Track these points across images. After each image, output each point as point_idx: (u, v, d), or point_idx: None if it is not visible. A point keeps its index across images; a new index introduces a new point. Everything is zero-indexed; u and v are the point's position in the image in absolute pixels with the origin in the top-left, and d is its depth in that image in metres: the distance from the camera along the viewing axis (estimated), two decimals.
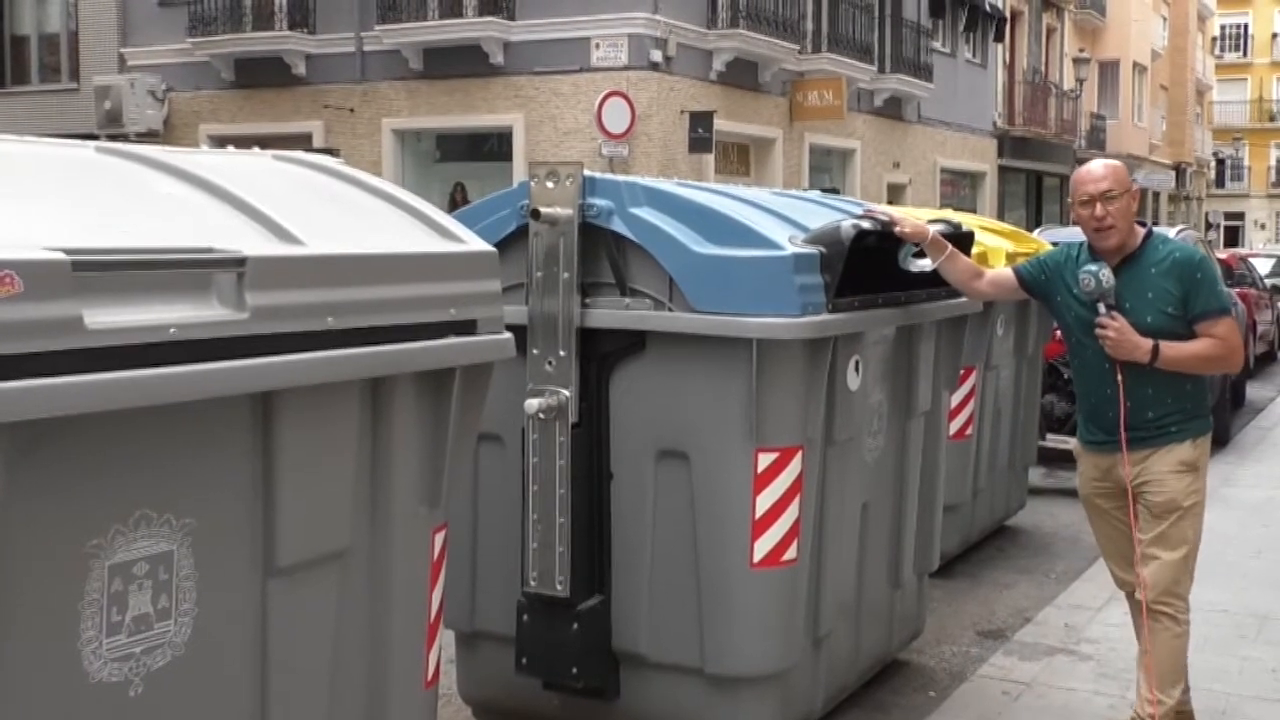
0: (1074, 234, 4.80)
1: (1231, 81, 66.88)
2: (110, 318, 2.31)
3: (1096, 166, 4.55)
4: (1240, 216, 66.03)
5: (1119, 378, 4.41)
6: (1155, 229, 4.65)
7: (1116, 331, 4.35)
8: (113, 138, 20.09)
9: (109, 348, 2.28)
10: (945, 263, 4.80)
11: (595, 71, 19.92)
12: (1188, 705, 4.67)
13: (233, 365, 2.50)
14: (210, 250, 2.56)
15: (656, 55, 19.91)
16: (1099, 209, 4.41)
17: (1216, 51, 65.08)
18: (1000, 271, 5.03)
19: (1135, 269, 4.45)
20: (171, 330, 2.40)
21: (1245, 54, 68.33)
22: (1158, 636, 4.48)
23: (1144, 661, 4.54)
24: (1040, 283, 4.72)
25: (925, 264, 4.81)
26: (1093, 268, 4.41)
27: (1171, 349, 4.35)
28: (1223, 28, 66.61)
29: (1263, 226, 65.98)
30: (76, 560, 2.36)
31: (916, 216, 5.48)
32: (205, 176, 2.86)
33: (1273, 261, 24.83)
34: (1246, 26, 68.30)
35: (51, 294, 2.19)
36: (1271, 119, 67.88)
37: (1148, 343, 4.34)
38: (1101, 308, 4.40)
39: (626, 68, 19.79)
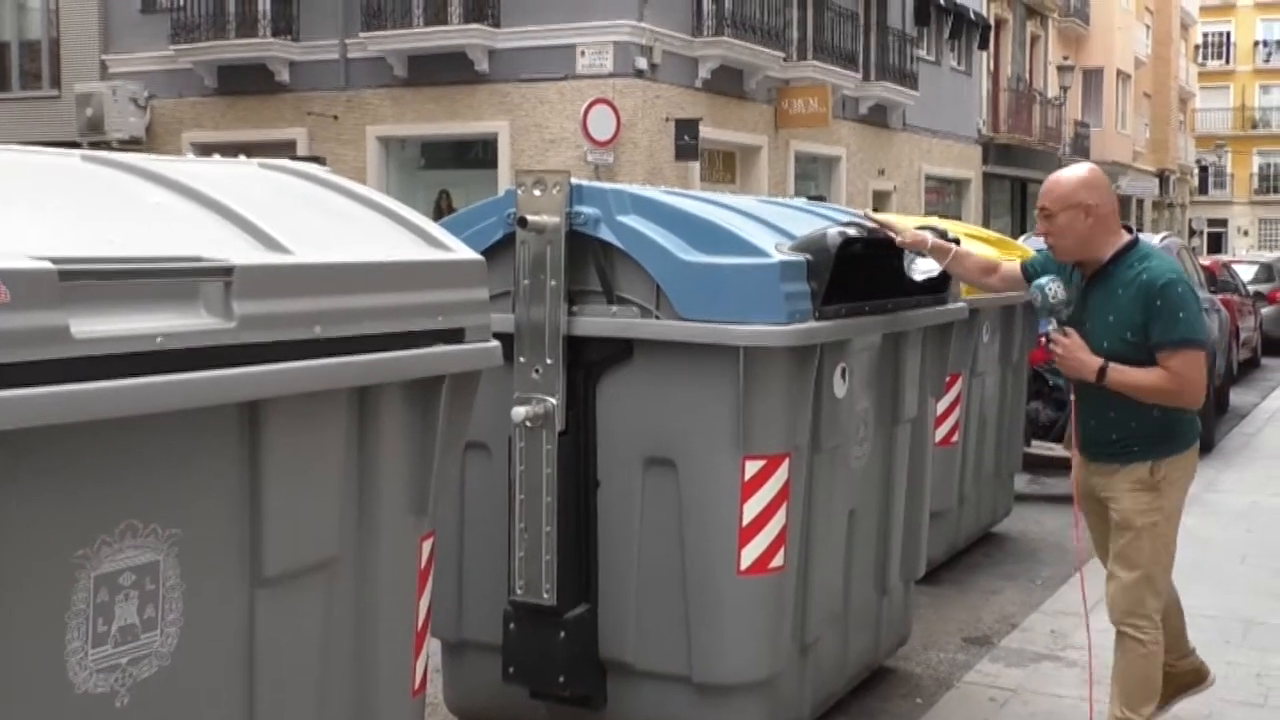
0: None
1: (1214, 89, 67.23)
2: (97, 327, 2.30)
3: (1054, 177, 4.43)
4: (1223, 223, 66.33)
5: (1072, 396, 4.44)
6: (1141, 239, 4.45)
7: (1064, 349, 4.28)
8: (95, 145, 19.99)
9: (95, 357, 2.27)
10: (953, 265, 4.82)
11: (580, 79, 19.94)
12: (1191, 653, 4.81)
13: (220, 374, 2.49)
14: (198, 259, 2.55)
15: (642, 63, 19.93)
16: (1048, 226, 4.34)
17: (1199, 59, 65.36)
18: (1011, 265, 4.91)
19: (1103, 287, 4.32)
20: (158, 339, 2.39)
21: (1228, 61, 68.66)
22: (1124, 656, 4.44)
23: (1113, 680, 4.52)
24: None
25: (931, 268, 4.81)
26: (1042, 281, 4.34)
27: (1118, 373, 4.22)
28: (1205, 35, 66.90)
29: (1245, 233, 66.25)
30: (62, 571, 2.35)
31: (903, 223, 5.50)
32: (192, 185, 2.85)
33: (1255, 268, 24.90)
34: (1229, 34, 68.64)
35: (38, 303, 2.18)
36: (1254, 126, 68.24)
37: (1096, 362, 4.23)
38: (1053, 323, 4.33)
39: (612, 75, 19.81)
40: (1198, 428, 4.52)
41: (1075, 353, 4.27)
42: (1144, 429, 4.33)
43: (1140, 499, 4.35)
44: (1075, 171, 4.44)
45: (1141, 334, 4.21)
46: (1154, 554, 4.38)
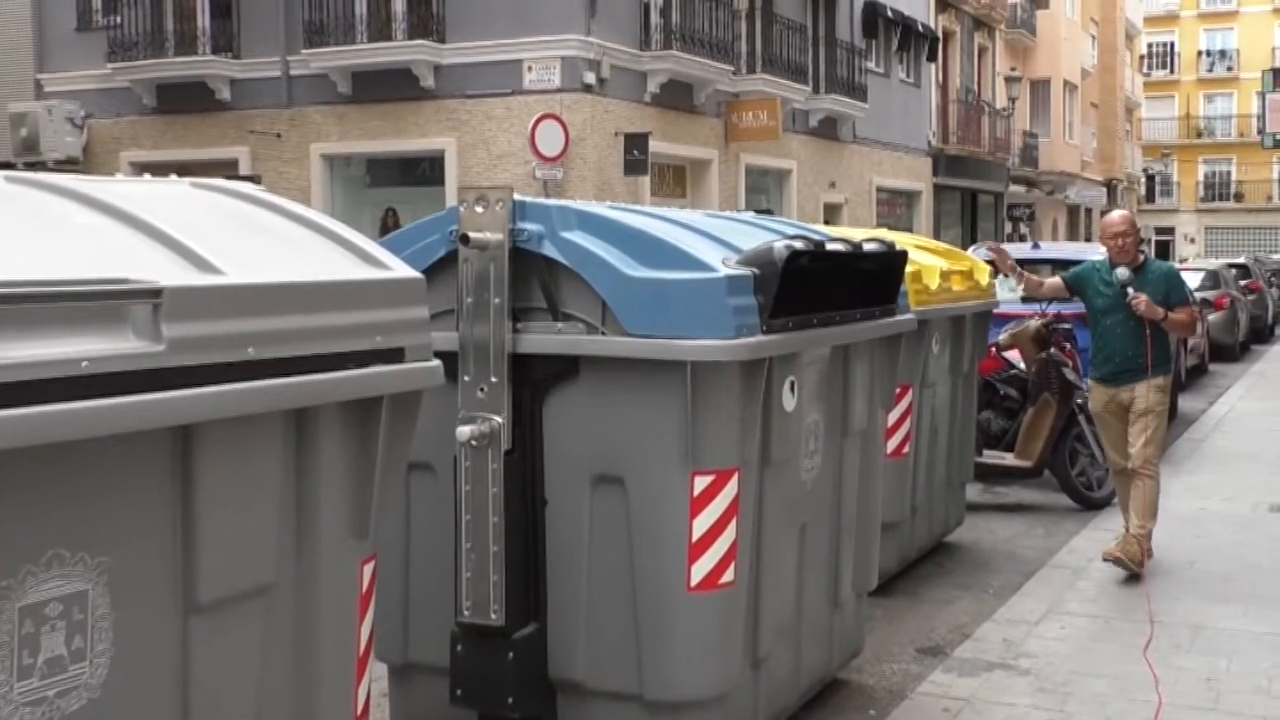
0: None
1: (1159, 99, 68.06)
2: (19, 352, 2.24)
3: (1117, 215, 7.87)
4: (1170, 231, 67.09)
5: (1146, 333, 7.43)
6: (1146, 253, 7.99)
7: (1145, 303, 7.36)
8: (30, 166, 19.74)
9: (18, 382, 2.21)
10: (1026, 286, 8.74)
11: (528, 94, 19.87)
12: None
13: (149, 398, 2.43)
14: (124, 281, 2.49)
15: (590, 77, 19.90)
16: (1119, 241, 7.53)
17: (1144, 69, 66.12)
18: (1054, 279, 8.32)
19: (1143, 275, 7.59)
20: (84, 364, 2.33)
21: (1172, 71, 69.55)
22: (1141, 488, 7.47)
23: (1131, 506, 7.52)
24: (1078, 284, 7.84)
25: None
26: (1122, 270, 7.48)
27: (1171, 317, 7.51)
28: (1150, 46, 67.72)
29: (1192, 240, 67.05)
30: None
31: (850, 235, 5.51)
32: (120, 205, 2.79)
33: (1201, 275, 25.11)
34: (1173, 44, 69.52)
35: None
36: (1199, 135, 69.09)
37: (1160, 310, 7.43)
38: (1130, 292, 7.39)
39: (560, 90, 19.75)
40: None
41: (1150, 304, 7.37)
42: (1160, 353, 7.54)
43: (1160, 397, 7.57)
44: (1127, 212, 8.66)
45: (1165, 296, 7.52)
46: (1160, 427, 7.67)
